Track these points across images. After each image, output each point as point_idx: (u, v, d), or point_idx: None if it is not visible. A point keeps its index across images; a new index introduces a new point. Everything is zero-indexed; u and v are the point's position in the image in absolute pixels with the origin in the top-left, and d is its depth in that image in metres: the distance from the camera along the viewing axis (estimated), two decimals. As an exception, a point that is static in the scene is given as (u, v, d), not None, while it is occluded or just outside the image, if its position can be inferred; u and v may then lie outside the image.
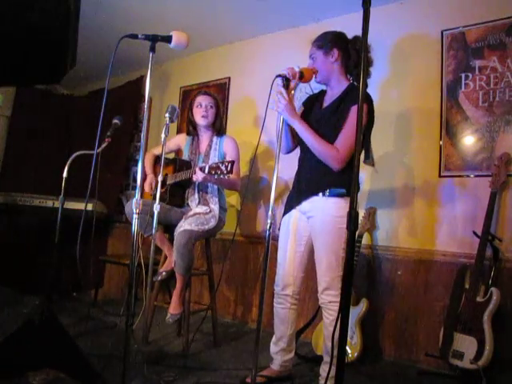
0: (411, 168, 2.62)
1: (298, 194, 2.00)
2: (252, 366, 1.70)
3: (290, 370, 2.11)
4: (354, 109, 1.82)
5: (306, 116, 2.04)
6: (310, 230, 1.98)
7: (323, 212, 1.88)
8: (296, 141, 2.05)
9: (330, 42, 1.96)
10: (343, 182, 1.86)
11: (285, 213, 2.07)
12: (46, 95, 4.40)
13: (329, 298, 1.87)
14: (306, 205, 1.96)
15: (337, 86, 1.98)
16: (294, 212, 2.02)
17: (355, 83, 1.98)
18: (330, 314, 1.88)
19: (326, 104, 2.01)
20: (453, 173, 2.47)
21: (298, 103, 3.08)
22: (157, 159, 2.78)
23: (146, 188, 2.61)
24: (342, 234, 1.83)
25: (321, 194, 1.89)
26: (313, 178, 1.94)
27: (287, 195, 2.12)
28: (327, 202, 1.88)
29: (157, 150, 2.80)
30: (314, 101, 2.11)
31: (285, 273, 2.02)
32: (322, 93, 2.10)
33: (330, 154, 1.83)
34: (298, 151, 2.11)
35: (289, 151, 2.11)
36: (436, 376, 2.24)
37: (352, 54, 1.96)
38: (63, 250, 2.30)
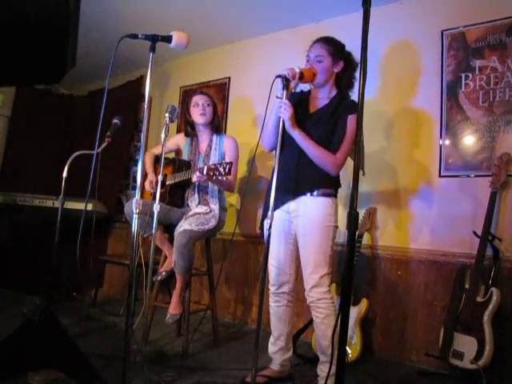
0: (411, 168, 2.61)
1: (282, 194, 1.96)
2: (252, 365, 1.70)
3: (289, 369, 2.11)
4: (350, 118, 1.91)
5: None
6: (295, 228, 1.99)
7: (311, 211, 1.91)
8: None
9: (341, 52, 1.99)
10: (331, 182, 1.94)
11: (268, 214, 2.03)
12: (46, 95, 4.40)
13: (317, 296, 1.88)
14: (291, 204, 1.97)
15: (326, 93, 2.02)
16: (277, 212, 1.99)
17: (348, 92, 2.04)
18: (319, 313, 1.89)
19: (314, 108, 2.02)
20: (453, 173, 2.47)
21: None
22: (156, 159, 2.78)
23: (147, 186, 2.60)
24: (329, 231, 1.89)
25: (309, 193, 1.93)
26: (300, 179, 1.95)
27: (266, 196, 2.05)
28: (315, 201, 1.92)
29: (156, 150, 2.79)
30: (296, 101, 2.06)
31: (280, 272, 2.03)
32: (305, 94, 2.10)
33: (329, 160, 1.90)
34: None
35: (272, 149, 2.09)
36: (436, 376, 2.24)
37: (349, 74, 2.01)
38: (63, 250, 2.30)
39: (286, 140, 2.00)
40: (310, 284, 1.90)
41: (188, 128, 2.69)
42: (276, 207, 1.99)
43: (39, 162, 4.18)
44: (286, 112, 1.85)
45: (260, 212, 3.26)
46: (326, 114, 1.96)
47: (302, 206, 1.94)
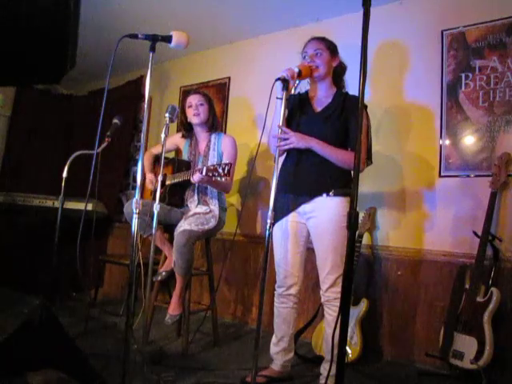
0: (411, 168, 2.62)
1: (294, 197, 1.99)
2: (252, 365, 1.70)
3: (290, 370, 2.11)
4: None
5: (296, 117, 2.04)
6: (308, 230, 1.99)
7: (328, 211, 1.90)
8: None
9: (336, 49, 2.03)
10: (345, 180, 1.93)
11: (280, 217, 2.01)
12: (46, 95, 4.40)
13: (334, 295, 1.90)
14: (306, 206, 1.96)
15: (327, 90, 2.04)
16: (290, 214, 2.01)
17: (344, 91, 2.08)
18: (333, 311, 1.90)
19: (319, 107, 2.03)
20: (453, 173, 2.47)
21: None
22: (156, 159, 2.78)
23: (147, 184, 2.61)
24: (345, 232, 1.85)
25: (325, 194, 1.92)
26: (314, 180, 1.95)
27: (275, 199, 1.95)
28: (332, 202, 1.91)
29: (155, 150, 2.80)
30: (296, 102, 2.09)
31: (288, 274, 2.02)
32: (304, 95, 2.10)
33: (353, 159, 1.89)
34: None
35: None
36: (436, 376, 2.24)
37: (341, 74, 2.07)
38: (63, 250, 2.30)
39: None
40: (327, 284, 1.91)
41: (184, 129, 2.69)
42: (290, 210, 2.01)
43: (39, 162, 4.18)
44: (292, 139, 1.89)
45: (260, 212, 3.26)
46: (335, 113, 1.97)
47: (317, 207, 1.93)
